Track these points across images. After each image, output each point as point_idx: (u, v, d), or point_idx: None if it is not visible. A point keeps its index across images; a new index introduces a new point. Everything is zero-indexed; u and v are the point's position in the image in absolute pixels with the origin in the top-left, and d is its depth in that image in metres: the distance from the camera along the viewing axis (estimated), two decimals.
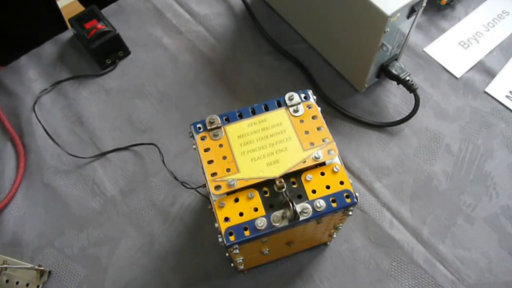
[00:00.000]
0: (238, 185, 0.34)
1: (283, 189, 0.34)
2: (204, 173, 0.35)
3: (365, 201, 0.51)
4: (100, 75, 0.60)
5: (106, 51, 0.60)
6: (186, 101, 0.58)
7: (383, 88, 0.58)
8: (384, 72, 0.54)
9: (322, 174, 0.35)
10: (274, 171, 0.35)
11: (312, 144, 0.36)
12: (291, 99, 0.38)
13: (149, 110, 0.58)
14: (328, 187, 0.34)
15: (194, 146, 0.37)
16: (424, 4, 0.46)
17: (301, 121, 0.37)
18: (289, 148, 0.36)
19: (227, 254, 0.38)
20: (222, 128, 0.37)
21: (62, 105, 0.58)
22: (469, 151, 0.53)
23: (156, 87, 0.59)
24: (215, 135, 0.37)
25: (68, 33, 0.64)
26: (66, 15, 0.61)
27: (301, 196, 0.34)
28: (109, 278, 0.48)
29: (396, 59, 0.54)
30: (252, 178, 0.34)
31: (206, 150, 0.36)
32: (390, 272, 0.47)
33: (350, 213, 0.35)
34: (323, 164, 0.36)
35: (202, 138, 0.37)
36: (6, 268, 0.45)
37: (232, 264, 0.42)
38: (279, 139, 0.36)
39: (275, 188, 0.34)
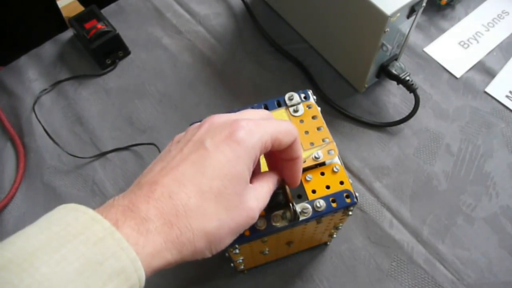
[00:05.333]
0: None
1: (282, 189, 0.34)
2: None
3: (365, 201, 0.51)
4: (100, 75, 0.60)
5: (106, 51, 0.60)
6: (186, 101, 0.58)
7: (383, 88, 0.58)
8: (384, 72, 0.54)
9: (322, 174, 0.35)
10: None
11: (312, 144, 0.36)
12: (291, 99, 0.38)
13: (149, 110, 0.58)
14: (328, 187, 0.34)
15: None
16: (424, 4, 0.46)
17: (301, 121, 0.37)
18: None
19: (227, 254, 0.38)
20: None
21: (62, 105, 0.58)
22: (469, 151, 0.53)
23: (156, 87, 0.59)
24: None
25: (68, 33, 0.64)
26: (66, 15, 0.61)
27: (301, 196, 0.34)
28: None
29: (396, 59, 0.54)
30: None
31: None
32: (390, 272, 0.47)
33: (350, 213, 0.35)
34: (323, 164, 0.36)
35: None
36: None
37: (232, 264, 0.42)
38: None
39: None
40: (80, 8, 0.61)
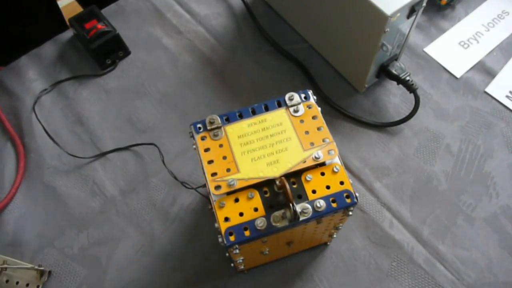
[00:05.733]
0: (238, 185, 0.34)
1: (283, 189, 0.34)
2: (204, 173, 0.35)
3: (365, 201, 0.51)
4: (100, 75, 0.60)
5: (106, 51, 0.60)
6: (186, 101, 0.58)
7: (383, 88, 0.58)
8: (384, 72, 0.54)
9: (322, 174, 0.35)
10: (274, 171, 0.35)
11: (312, 144, 0.36)
12: (291, 99, 0.38)
13: (149, 110, 0.58)
14: (328, 187, 0.34)
15: (194, 146, 0.37)
16: (424, 4, 0.46)
17: (301, 121, 0.37)
18: (289, 148, 0.36)
19: (227, 254, 0.38)
20: (222, 128, 0.37)
21: (62, 105, 0.58)
22: (469, 151, 0.53)
23: (156, 87, 0.59)
24: (215, 135, 0.37)
25: (68, 33, 0.64)
26: (66, 15, 0.61)
27: (301, 196, 0.34)
28: (109, 278, 0.48)
29: (396, 59, 0.54)
30: (252, 178, 0.34)
31: (206, 150, 0.36)
32: (390, 272, 0.47)
33: (350, 213, 0.35)
34: (323, 164, 0.36)
35: (202, 138, 0.37)
36: (6, 268, 0.45)
37: (232, 264, 0.42)
38: (279, 139, 0.36)
39: (275, 188, 0.34)
40: (80, 9, 0.61)
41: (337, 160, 0.36)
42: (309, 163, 0.35)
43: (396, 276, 0.47)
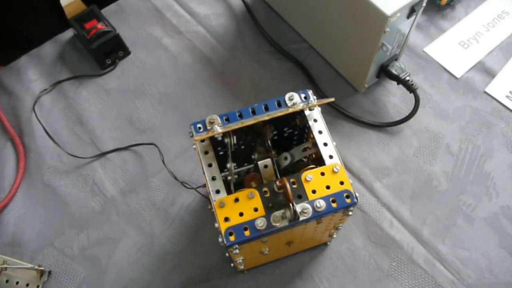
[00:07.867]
0: (221, 129, 0.35)
1: (283, 189, 0.34)
2: (203, 173, 0.35)
3: (365, 201, 0.51)
4: (100, 75, 0.60)
5: (106, 51, 0.60)
6: (186, 101, 0.58)
7: (383, 88, 0.58)
8: (384, 72, 0.54)
9: (322, 174, 0.35)
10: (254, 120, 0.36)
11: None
12: (291, 99, 0.38)
13: (149, 110, 0.58)
14: (328, 187, 0.34)
15: (194, 146, 0.37)
16: (424, 4, 0.46)
17: None
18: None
19: (227, 254, 0.38)
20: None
21: (62, 105, 0.58)
22: (469, 151, 0.53)
23: (156, 87, 0.59)
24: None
25: (68, 33, 0.64)
26: (69, 14, 0.61)
27: (301, 196, 0.34)
28: (109, 278, 0.48)
29: (396, 59, 0.54)
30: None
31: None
32: (390, 272, 0.47)
33: (350, 213, 0.35)
34: (323, 164, 0.36)
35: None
36: (6, 268, 0.45)
37: (232, 264, 0.42)
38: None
39: (275, 188, 0.34)
40: (83, 7, 0.61)
41: (337, 160, 0.36)
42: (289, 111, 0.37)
43: (396, 276, 0.47)
